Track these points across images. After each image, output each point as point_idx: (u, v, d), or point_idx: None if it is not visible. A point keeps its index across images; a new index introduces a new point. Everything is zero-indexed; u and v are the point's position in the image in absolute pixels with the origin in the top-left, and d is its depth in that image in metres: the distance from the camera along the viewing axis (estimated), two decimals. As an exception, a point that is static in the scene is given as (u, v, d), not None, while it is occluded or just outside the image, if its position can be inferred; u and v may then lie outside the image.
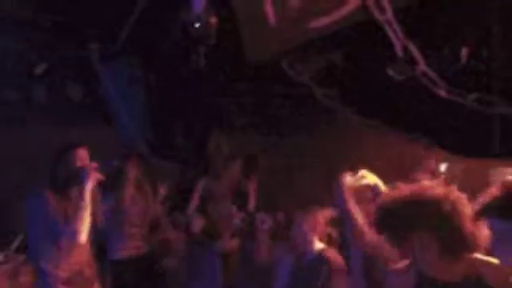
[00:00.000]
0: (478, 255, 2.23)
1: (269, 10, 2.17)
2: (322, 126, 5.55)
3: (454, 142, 2.42)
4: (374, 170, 5.20)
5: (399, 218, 2.17)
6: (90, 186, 3.28)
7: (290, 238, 4.34)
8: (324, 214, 4.27)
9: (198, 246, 5.01)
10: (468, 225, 2.10)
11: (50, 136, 5.45)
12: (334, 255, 4.05)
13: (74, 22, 4.70)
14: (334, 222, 4.30)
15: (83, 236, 3.19)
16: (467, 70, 1.97)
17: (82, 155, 3.46)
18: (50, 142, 5.46)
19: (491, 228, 2.16)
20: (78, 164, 3.41)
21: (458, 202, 2.15)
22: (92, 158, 3.82)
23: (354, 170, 4.10)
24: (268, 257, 4.65)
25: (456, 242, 2.09)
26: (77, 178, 3.29)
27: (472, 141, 2.44)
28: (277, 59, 2.35)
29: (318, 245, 4.13)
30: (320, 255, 4.04)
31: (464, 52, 1.90)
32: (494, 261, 2.34)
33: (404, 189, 2.33)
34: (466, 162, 5.23)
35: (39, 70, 4.95)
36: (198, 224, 5.03)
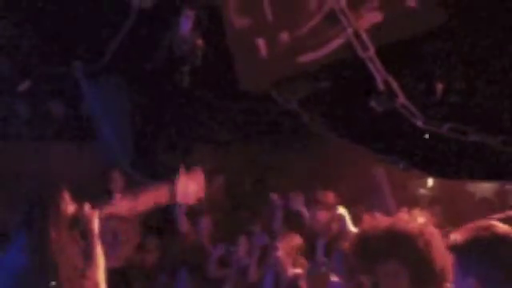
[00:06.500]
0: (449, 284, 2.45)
1: (260, 42, 2.41)
2: (304, 144, 5.78)
3: (432, 165, 2.68)
4: (358, 189, 5.45)
5: (374, 248, 2.40)
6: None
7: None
8: (295, 240, 4.47)
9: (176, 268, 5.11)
10: (439, 259, 2.32)
11: (32, 152, 5.58)
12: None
13: (58, 39, 4.83)
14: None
15: None
16: (443, 101, 2.22)
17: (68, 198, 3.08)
18: (33, 159, 5.60)
19: None
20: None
21: (431, 237, 2.37)
22: (74, 175, 3.92)
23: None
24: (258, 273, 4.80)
25: (426, 274, 2.32)
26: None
27: (448, 164, 2.71)
28: (268, 89, 2.58)
29: (293, 270, 4.32)
30: (294, 280, 4.24)
31: (439, 86, 2.15)
32: None
33: (383, 220, 2.57)
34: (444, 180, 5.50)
35: (22, 87, 5.06)
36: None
